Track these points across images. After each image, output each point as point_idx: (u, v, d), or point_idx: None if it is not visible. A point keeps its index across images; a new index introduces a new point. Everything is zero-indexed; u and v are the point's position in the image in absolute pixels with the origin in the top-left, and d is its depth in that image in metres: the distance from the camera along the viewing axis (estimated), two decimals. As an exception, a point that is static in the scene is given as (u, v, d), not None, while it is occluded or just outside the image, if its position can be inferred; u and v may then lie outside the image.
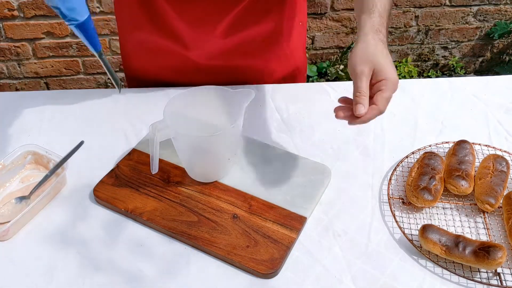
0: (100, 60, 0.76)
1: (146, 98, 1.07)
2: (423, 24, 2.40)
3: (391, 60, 0.73)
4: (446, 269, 0.75)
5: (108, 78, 0.73)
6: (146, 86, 1.13)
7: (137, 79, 1.16)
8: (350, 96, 0.73)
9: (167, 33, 1.02)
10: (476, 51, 2.52)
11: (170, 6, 0.97)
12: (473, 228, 0.81)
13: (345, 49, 2.44)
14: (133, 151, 0.93)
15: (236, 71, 1.09)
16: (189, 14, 0.98)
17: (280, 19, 1.04)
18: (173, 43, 1.04)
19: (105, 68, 0.76)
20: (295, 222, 0.81)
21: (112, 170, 0.90)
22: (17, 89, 2.43)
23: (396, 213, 0.83)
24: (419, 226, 0.79)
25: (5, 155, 0.89)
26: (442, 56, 2.54)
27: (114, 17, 2.19)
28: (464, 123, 1.01)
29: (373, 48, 0.72)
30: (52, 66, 2.36)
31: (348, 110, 0.71)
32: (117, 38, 2.25)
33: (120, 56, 2.33)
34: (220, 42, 1.03)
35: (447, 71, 2.58)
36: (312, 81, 2.42)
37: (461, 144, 0.90)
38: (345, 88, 1.09)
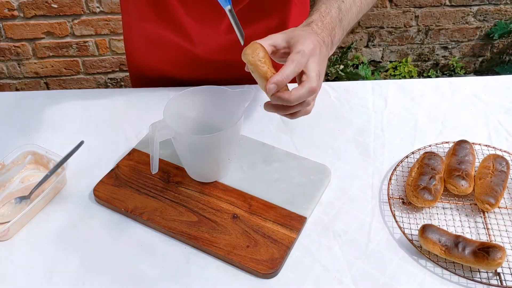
0: (229, 15, 0.74)
1: (146, 98, 1.07)
2: (423, 24, 2.40)
3: (316, 40, 0.72)
4: (446, 269, 0.75)
5: (235, 30, 0.71)
6: (150, 82, 1.13)
7: (141, 75, 1.16)
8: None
9: (173, 27, 1.03)
10: (476, 51, 2.52)
11: (177, 1, 0.98)
12: (473, 228, 0.81)
13: (345, 49, 2.44)
14: (133, 151, 0.93)
15: (240, 67, 1.09)
16: (195, 8, 0.99)
17: (284, 17, 1.04)
18: (178, 37, 1.04)
19: (233, 22, 0.75)
20: (295, 222, 0.81)
21: (112, 170, 0.90)
22: (17, 89, 2.43)
23: (396, 213, 0.83)
24: (419, 226, 0.79)
25: (5, 155, 0.89)
26: (442, 56, 2.54)
27: (114, 17, 2.20)
28: (464, 123, 1.01)
29: (298, 29, 0.73)
30: (52, 66, 2.36)
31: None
32: (117, 38, 2.25)
33: (120, 56, 2.33)
34: (225, 38, 1.03)
35: (447, 71, 2.58)
36: (312, 81, 2.42)
37: (461, 144, 0.90)
38: (345, 88, 1.09)
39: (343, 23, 0.81)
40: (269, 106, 0.72)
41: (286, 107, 0.71)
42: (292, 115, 0.74)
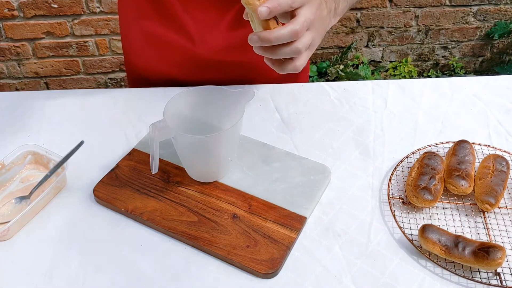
0: None
1: (146, 98, 1.07)
2: (423, 24, 2.40)
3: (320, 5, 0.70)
4: (446, 269, 0.75)
5: None
6: (149, 83, 1.12)
7: (139, 76, 1.16)
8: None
9: (173, 25, 1.02)
10: (476, 51, 2.52)
11: None
12: (473, 228, 0.81)
13: (345, 49, 2.44)
14: (133, 151, 0.93)
15: (240, 67, 1.09)
16: (194, 7, 0.98)
17: None
18: (178, 36, 1.03)
19: None
20: (295, 222, 0.81)
21: (112, 170, 0.90)
22: (17, 89, 2.44)
23: (396, 213, 0.83)
24: (419, 226, 0.79)
25: (5, 155, 0.89)
26: (442, 56, 2.54)
27: (114, 17, 2.20)
28: (464, 123, 1.01)
29: None
30: (52, 66, 2.36)
31: None
32: (117, 38, 2.25)
33: (120, 56, 2.33)
34: (225, 37, 1.03)
35: (447, 71, 2.58)
36: (312, 81, 2.42)
37: (461, 144, 0.90)
38: (345, 88, 1.09)
39: None
40: (255, 47, 0.69)
41: (268, 48, 0.68)
42: (279, 65, 0.70)
